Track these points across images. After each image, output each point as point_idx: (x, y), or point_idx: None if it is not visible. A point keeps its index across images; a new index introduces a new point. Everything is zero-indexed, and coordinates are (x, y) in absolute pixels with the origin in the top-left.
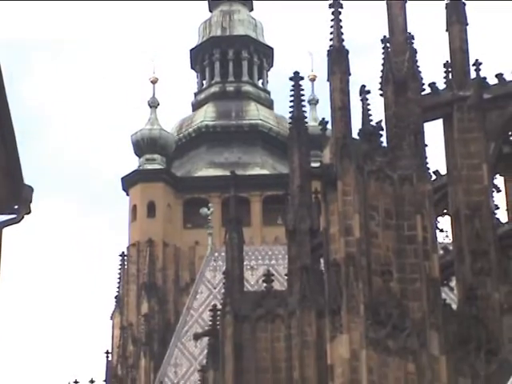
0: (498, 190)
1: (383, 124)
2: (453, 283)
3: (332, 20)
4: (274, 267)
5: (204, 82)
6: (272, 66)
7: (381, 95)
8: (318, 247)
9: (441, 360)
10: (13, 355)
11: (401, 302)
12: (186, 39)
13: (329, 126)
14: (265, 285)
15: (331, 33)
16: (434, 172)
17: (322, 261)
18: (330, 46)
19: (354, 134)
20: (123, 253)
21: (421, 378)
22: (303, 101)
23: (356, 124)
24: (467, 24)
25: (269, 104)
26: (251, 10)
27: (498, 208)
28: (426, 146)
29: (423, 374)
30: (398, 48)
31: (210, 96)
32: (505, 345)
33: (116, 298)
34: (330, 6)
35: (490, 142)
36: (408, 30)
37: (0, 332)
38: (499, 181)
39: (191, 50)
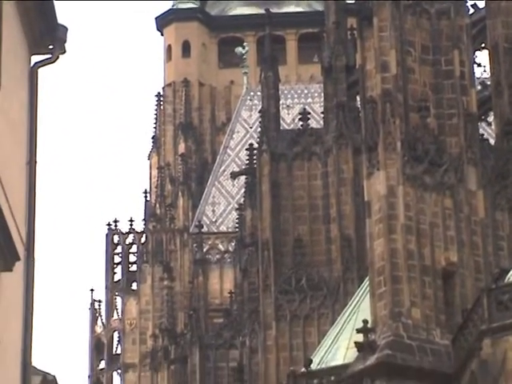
0: None
1: None
2: (490, 118)
3: None
4: (309, 105)
5: None
6: None
7: None
8: (354, 84)
9: (478, 195)
10: (54, 199)
11: (438, 137)
12: None
13: None
14: (301, 123)
15: None
16: (471, 5)
17: (358, 98)
18: None
19: None
20: (159, 93)
21: (458, 212)
22: None
23: None
24: None
25: None
26: None
27: None
28: None
29: (460, 209)
30: None
31: None
32: None
33: (153, 138)
34: None
35: None
36: None
37: (40, 176)
38: None
39: None
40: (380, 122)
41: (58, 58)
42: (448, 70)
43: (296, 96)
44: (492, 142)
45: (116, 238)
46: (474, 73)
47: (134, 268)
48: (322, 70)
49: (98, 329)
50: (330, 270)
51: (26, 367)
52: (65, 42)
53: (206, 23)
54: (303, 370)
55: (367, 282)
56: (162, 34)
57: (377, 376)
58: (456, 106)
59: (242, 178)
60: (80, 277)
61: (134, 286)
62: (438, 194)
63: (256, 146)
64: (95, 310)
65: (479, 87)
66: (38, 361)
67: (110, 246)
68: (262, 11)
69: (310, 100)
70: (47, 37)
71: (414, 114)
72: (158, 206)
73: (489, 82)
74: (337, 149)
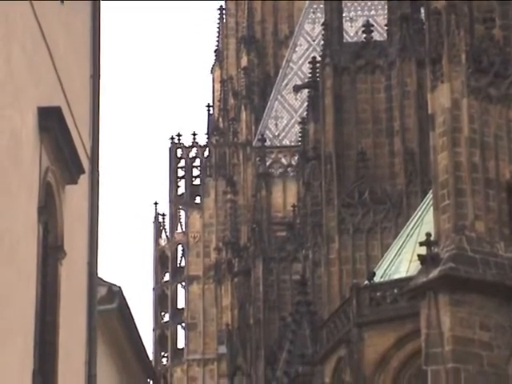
0: None
1: None
2: None
3: None
4: (373, 18)
5: None
6: None
7: None
8: None
9: None
10: (118, 113)
11: (503, 49)
12: None
13: None
14: (364, 36)
15: None
16: None
17: (422, 10)
18: None
19: None
20: (221, 6)
21: None
22: None
23: None
24: None
25: None
26: None
27: None
28: None
29: None
30: None
31: None
32: None
33: (215, 51)
34: None
35: None
36: None
37: (103, 89)
38: None
39: None
40: (444, 33)
41: None
42: None
43: (359, 8)
44: None
45: (179, 152)
46: None
47: (197, 182)
48: None
49: (162, 242)
50: (393, 183)
51: (92, 278)
52: None
53: None
54: (366, 282)
55: (430, 195)
56: None
57: (440, 289)
58: None
59: (305, 92)
60: (144, 190)
61: (198, 199)
62: (502, 106)
63: (319, 59)
64: (159, 223)
65: None
66: (103, 272)
67: (174, 160)
68: None
69: (373, 12)
70: None
71: (479, 26)
72: (220, 119)
73: None
74: (400, 61)
